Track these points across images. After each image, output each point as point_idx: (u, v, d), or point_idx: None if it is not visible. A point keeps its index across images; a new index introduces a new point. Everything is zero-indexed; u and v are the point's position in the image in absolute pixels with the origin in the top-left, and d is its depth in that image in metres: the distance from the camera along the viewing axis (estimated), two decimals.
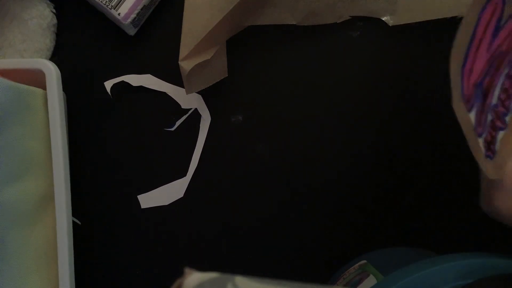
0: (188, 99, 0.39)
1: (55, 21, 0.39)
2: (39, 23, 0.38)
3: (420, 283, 0.25)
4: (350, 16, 0.38)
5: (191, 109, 0.39)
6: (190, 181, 0.39)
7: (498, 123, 0.24)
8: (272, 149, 0.39)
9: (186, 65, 0.35)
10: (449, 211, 0.39)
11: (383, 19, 0.38)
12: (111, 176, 0.40)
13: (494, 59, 0.23)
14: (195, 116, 0.39)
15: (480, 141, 0.23)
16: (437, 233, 0.39)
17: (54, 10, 0.39)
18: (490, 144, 0.24)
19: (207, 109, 0.39)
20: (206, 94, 0.39)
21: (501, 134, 0.24)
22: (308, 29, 0.39)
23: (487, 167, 0.23)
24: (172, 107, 0.39)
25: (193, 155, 0.39)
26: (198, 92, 0.39)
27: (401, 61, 0.39)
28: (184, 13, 0.36)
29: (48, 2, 0.38)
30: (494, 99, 0.24)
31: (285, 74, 0.39)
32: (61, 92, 0.35)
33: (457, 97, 0.21)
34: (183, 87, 0.39)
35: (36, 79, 0.34)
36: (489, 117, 0.24)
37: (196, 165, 0.39)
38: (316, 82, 0.39)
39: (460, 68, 0.21)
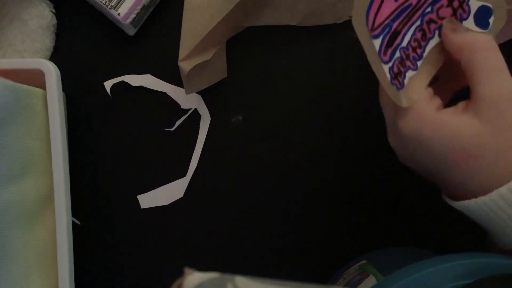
0: (188, 99, 0.39)
1: (55, 21, 0.39)
2: (39, 23, 0.38)
3: (420, 283, 0.25)
4: (350, 17, 0.38)
5: (191, 109, 0.39)
6: (190, 181, 0.39)
7: (408, 63, 0.28)
8: (272, 149, 0.39)
9: (185, 66, 0.35)
10: (449, 211, 0.39)
11: None
12: (111, 176, 0.40)
13: (404, 10, 0.27)
14: (195, 116, 0.39)
15: (385, 68, 0.26)
16: (437, 233, 0.39)
17: (54, 10, 0.39)
18: (397, 76, 0.27)
19: (207, 109, 0.39)
20: (206, 94, 0.39)
21: (410, 72, 0.28)
22: (308, 30, 0.39)
23: (394, 94, 0.27)
24: (172, 107, 0.39)
25: (193, 155, 0.39)
26: (198, 92, 0.39)
27: None
28: (184, 13, 0.36)
29: (48, 2, 0.38)
30: (404, 43, 0.28)
31: (285, 74, 0.39)
32: (61, 92, 0.35)
33: (359, 20, 0.25)
34: (183, 87, 0.39)
35: (36, 79, 0.34)
36: (398, 54, 0.27)
37: (196, 165, 0.39)
38: (316, 82, 0.39)
39: (366, 5, 0.25)
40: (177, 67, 0.35)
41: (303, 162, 0.39)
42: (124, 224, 0.40)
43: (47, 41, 0.38)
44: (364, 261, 0.35)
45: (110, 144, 0.40)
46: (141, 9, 0.37)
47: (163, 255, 0.40)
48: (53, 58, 0.39)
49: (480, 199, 0.26)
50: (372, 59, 0.26)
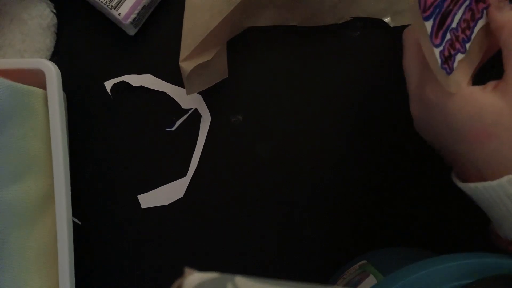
0: (188, 99, 0.39)
1: (55, 21, 0.39)
2: (39, 23, 0.38)
3: (420, 283, 0.25)
4: (350, 17, 0.38)
5: (191, 109, 0.39)
6: (190, 181, 0.39)
7: (458, 46, 0.27)
8: (271, 149, 0.39)
9: (186, 66, 0.35)
10: (449, 211, 0.39)
11: (384, 20, 0.38)
12: (111, 176, 0.40)
13: None
14: (195, 116, 0.39)
15: (436, 51, 0.26)
16: (437, 233, 0.39)
17: (54, 10, 0.39)
18: (447, 59, 0.27)
19: (207, 109, 0.39)
20: (206, 94, 0.39)
21: (460, 56, 0.27)
22: (308, 29, 0.39)
23: (443, 79, 0.26)
24: (172, 107, 0.39)
25: (193, 155, 0.39)
26: (198, 92, 0.39)
27: (401, 60, 0.39)
28: (185, 14, 0.36)
29: (48, 2, 0.38)
30: (453, 24, 0.27)
31: (285, 74, 0.39)
32: (61, 92, 0.35)
33: (413, 3, 0.25)
34: (183, 87, 0.39)
35: (36, 79, 0.34)
36: (448, 36, 0.27)
37: (196, 165, 0.39)
38: (316, 82, 0.39)
39: None
40: (177, 67, 0.35)
41: (303, 162, 0.39)
42: (124, 224, 0.40)
43: (47, 41, 0.38)
44: (364, 261, 0.35)
45: (110, 144, 0.40)
46: (142, 9, 0.37)
47: (163, 255, 0.40)
48: (53, 58, 0.39)
49: (488, 183, 0.26)
50: (424, 42, 0.26)
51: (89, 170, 0.40)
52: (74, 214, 0.39)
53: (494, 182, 0.26)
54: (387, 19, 0.38)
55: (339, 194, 0.39)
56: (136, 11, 0.37)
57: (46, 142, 0.34)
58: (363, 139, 0.39)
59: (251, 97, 0.39)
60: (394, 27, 0.38)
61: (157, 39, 0.39)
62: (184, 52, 0.35)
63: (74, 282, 0.34)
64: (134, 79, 0.39)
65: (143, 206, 0.40)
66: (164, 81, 0.39)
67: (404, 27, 0.38)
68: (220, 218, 0.40)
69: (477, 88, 0.27)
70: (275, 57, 0.39)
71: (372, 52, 0.39)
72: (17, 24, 0.38)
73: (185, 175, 0.39)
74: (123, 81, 0.39)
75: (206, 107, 0.39)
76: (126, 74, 0.39)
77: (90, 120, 0.40)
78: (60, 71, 0.35)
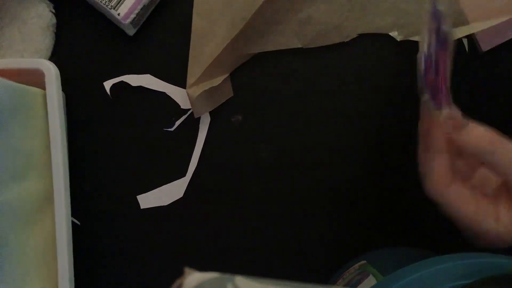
0: (187, 99, 0.39)
1: (54, 21, 0.39)
2: (38, 23, 0.38)
3: (420, 283, 0.25)
4: (357, 34, 0.38)
5: (190, 109, 0.39)
6: (190, 181, 0.39)
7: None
8: (271, 149, 0.39)
9: (192, 93, 0.36)
10: None
11: (391, 34, 0.38)
12: (111, 176, 0.40)
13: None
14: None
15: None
16: (437, 233, 0.39)
17: (53, 10, 0.38)
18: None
19: None
20: None
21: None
22: None
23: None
24: (172, 107, 0.39)
25: (193, 155, 0.39)
26: None
27: (400, 60, 0.39)
28: (191, 42, 0.37)
29: (48, 2, 0.38)
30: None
31: (285, 74, 0.39)
32: (61, 92, 0.35)
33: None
34: (182, 87, 0.39)
35: (35, 79, 0.34)
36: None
37: (196, 165, 0.39)
38: (316, 82, 0.39)
39: None
40: (177, 67, 0.36)
41: (303, 162, 0.39)
42: (124, 224, 0.40)
43: (46, 41, 0.38)
44: (364, 261, 0.35)
45: (110, 144, 0.40)
46: (141, 9, 0.37)
47: (163, 255, 0.40)
48: (52, 58, 0.39)
49: None
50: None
51: (89, 170, 0.40)
52: (73, 214, 0.39)
53: None
54: (393, 33, 0.38)
55: (339, 194, 0.39)
56: (136, 11, 0.37)
57: (45, 142, 0.34)
58: (363, 139, 0.39)
59: (251, 97, 0.39)
60: (400, 40, 0.38)
61: (157, 39, 0.39)
62: (190, 79, 0.37)
63: (73, 282, 0.34)
64: (134, 79, 0.39)
65: (142, 206, 0.39)
66: (163, 81, 0.39)
67: (409, 42, 0.38)
68: (219, 218, 0.40)
69: None
70: (275, 57, 0.39)
71: (373, 53, 0.39)
72: (17, 24, 0.38)
73: (185, 175, 0.39)
74: (122, 81, 0.39)
75: None
76: (126, 74, 0.39)
77: (89, 120, 0.40)
78: (60, 71, 0.35)
